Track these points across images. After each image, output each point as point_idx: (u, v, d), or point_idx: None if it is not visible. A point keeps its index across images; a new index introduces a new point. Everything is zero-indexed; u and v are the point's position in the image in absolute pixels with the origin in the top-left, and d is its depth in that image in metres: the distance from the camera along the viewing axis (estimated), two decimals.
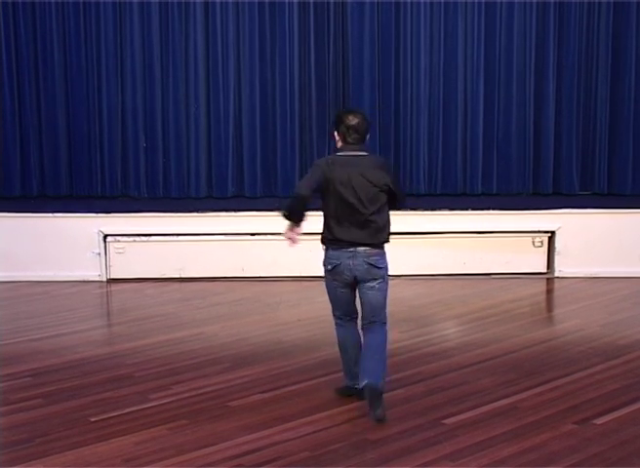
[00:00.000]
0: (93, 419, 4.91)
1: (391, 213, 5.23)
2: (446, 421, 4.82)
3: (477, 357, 6.08)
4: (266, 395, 5.31)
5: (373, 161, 5.10)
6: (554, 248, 8.80)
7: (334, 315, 5.29)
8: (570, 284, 8.57)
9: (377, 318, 5.06)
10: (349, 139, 5.02)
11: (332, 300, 5.26)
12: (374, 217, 5.03)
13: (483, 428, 4.71)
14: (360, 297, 5.13)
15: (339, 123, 5.06)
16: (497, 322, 7.10)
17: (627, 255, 8.73)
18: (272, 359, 6.07)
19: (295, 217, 5.10)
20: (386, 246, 5.22)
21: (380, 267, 5.06)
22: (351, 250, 5.01)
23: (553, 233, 8.80)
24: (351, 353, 5.18)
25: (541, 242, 8.83)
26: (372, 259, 5.02)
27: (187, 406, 5.13)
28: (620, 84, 9.55)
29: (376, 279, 5.04)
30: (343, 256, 5.03)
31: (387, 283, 5.16)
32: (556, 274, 8.81)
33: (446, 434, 4.64)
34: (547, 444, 4.49)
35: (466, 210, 8.91)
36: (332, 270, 5.11)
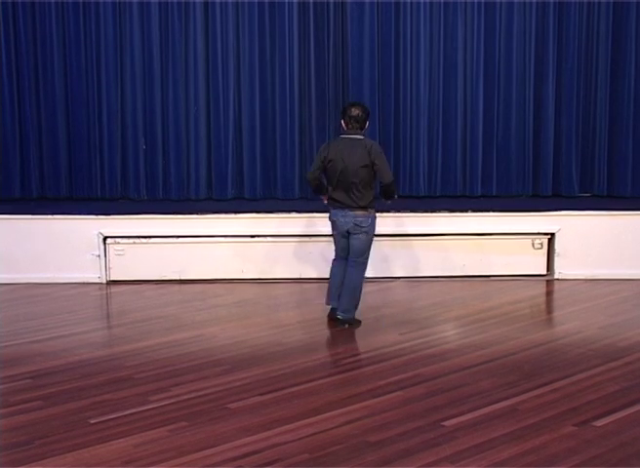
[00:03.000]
0: (92, 421, 4.90)
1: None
2: (446, 423, 4.82)
3: (477, 359, 6.08)
4: (266, 397, 5.31)
5: (362, 143, 6.65)
6: (554, 249, 8.80)
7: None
8: (570, 286, 8.56)
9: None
10: (350, 126, 6.71)
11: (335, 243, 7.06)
12: (358, 187, 6.65)
13: (483, 430, 4.71)
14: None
15: (344, 113, 6.76)
16: (496, 324, 7.10)
17: (627, 257, 8.72)
18: (272, 361, 6.07)
19: (318, 192, 6.99)
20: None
21: (363, 226, 6.73)
22: (343, 211, 6.77)
23: (553, 235, 8.80)
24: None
25: (541, 244, 8.82)
26: (357, 220, 6.71)
27: (187, 407, 5.12)
28: (620, 86, 9.56)
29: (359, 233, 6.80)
30: (339, 214, 6.78)
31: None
32: (556, 276, 8.80)
33: (446, 436, 4.63)
34: (547, 445, 4.48)
35: (466, 211, 8.90)
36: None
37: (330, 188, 6.82)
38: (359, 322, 6.96)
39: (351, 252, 6.87)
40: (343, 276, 6.91)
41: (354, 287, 6.89)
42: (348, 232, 6.79)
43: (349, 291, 6.88)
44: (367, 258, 6.95)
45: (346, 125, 6.72)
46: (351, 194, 6.67)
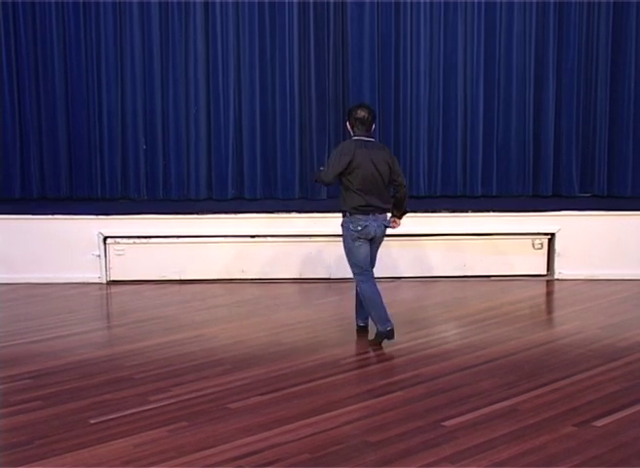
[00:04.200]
0: (92, 421, 4.90)
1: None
2: (446, 423, 4.81)
3: (477, 359, 6.08)
4: (266, 397, 5.31)
5: (381, 146, 6.54)
6: (554, 250, 8.80)
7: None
8: (570, 286, 8.57)
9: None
10: (356, 129, 6.35)
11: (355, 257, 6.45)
12: (387, 189, 6.37)
13: (483, 430, 4.70)
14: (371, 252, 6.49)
15: (349, 115, 6.43)
16: (496, 324, 7.10)
17: (627, 257, 8.72)
18: (272, 361, 6.06)
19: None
20: (383, 244, 6.59)
21: (387, 226, 6.45)
22: (374, 215, 6.34)
23: (553, 235, 8.80)
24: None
25: (541, 244, 8.82)
26: (385, 222, 6.42)
27: (187, 407, 5.12)
28: (620, 86, 9.56)
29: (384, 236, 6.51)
30: (371, 219, 6.30)
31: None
32: (556, 276, 8.80)
33: (446, 436, 4.63)
34: (547, 446, 4.48)
35: (466, 211, 8.90)
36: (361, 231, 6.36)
37: (360, 194, 6.25)
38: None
39: (372, 261, 6.53)
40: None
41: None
42: (373, 239, 6.40)
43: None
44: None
45: (352, 127, 6.39)
46: (383, 197, 6.34)
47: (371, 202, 6.27)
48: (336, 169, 6.23)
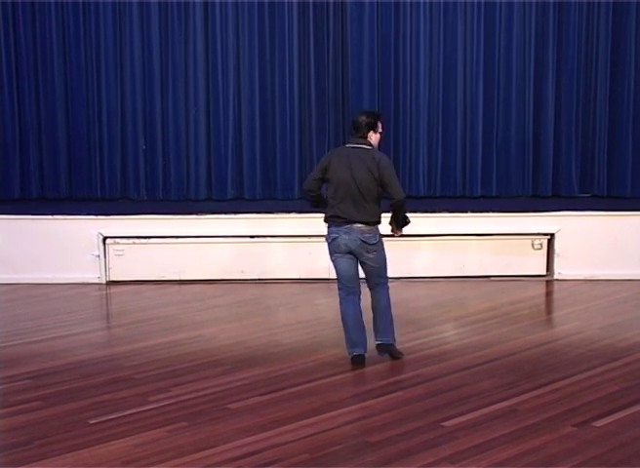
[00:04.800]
0: (92, 421, 4.90)
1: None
2: (445, 423, 4.81)
3: (477, 359, 6.08)
4: (266, 397, 5.31)
5: (370, 153, 5.86)
6: (554, 250, 8.80)
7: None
8: (569, 286, 8.56)
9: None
10: (352, 134, 5.98)
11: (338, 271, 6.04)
12: (367, 200, 5.82)
13: (482, 430, 4.70)
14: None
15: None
16: (496, 324, 7.10)
17: (627, 258, 8.72)
18: (271, 361, 6.06)
19: (317, 205, 6.16)
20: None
21: (371, 243, 5.87)
22: (347, 226, 5.85)
23: (553, 235, 8.80)
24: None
25: (541, 244, 8.82)
26: (364, 236, 5.84)
27: (187, 408, 5.12)
28: (620, 86, 9.56)
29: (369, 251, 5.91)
30: (341, 231, 5.86)
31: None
32: (555, 276, 8.80)
33: (445, 436, 4.63)
34: (547, 446, 4.48)
35: (466, 212, 8.90)
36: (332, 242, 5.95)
37: (332, 202, 5.88)
38: (401, 353, 6.14)
39: (370, 276, 6.00)
40: (359, 312, 5.98)
41: (389, 305, 6.10)
42: (353, 254, 5.87)
43: (388, 312, 6.07)
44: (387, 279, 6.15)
45: (350, 132, 6.04)
46: (360, 207, 5.80)
47: (343, 212, 5.82)
48: (313, 173, 6.01)
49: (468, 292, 8.38)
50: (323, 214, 6.02)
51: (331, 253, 5.96)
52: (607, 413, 4.96)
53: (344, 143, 6.16)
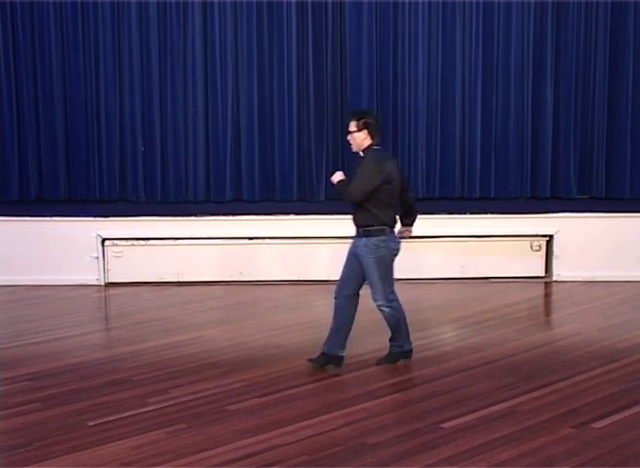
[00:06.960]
0: (91, 423, 4.90)
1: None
2: (444, 425, 4.81)
3: (475, 361, 6.08)
4: (264, 399, 5.31)
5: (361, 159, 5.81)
6: (552, 251, 8.80)
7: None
8: (568, 287, 8.57)
9: None
10: (377, 138, 5.77)
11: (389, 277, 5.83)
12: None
13: (481, 432, 4.71)
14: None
15: (371, 123, 5.70)
16: (495, 326, 7.10)
17: (625, 259, 8.73)
18: (270, 363, 6.06)
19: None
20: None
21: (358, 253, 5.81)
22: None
23: (551, 237, 8.80)
24: None
25: (539, 246, 8.83)
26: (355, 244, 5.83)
27: (185, 409, 5.12)
28: (618, 88, 9.58)
29: None
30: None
31: None
32: (554, 278, 8.80)
33: (444, 438, 4.63)
34: (546, 447, 4.48)
35: (464, 213, 8.91)
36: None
37: (391, 211, 5.74)
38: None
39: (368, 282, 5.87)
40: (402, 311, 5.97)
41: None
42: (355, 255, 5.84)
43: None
44: None
45: (371, 136, 5.71)
46: (353, 211, 5.80)
47: (405, 218, 6.03)
48: (373, 181, 5.61)
49: (467, 293, 8.38)
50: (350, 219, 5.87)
51: (388, 259, 5.75)
52: (606, 415, 4.96)
53: (375, 147, 5.77)
